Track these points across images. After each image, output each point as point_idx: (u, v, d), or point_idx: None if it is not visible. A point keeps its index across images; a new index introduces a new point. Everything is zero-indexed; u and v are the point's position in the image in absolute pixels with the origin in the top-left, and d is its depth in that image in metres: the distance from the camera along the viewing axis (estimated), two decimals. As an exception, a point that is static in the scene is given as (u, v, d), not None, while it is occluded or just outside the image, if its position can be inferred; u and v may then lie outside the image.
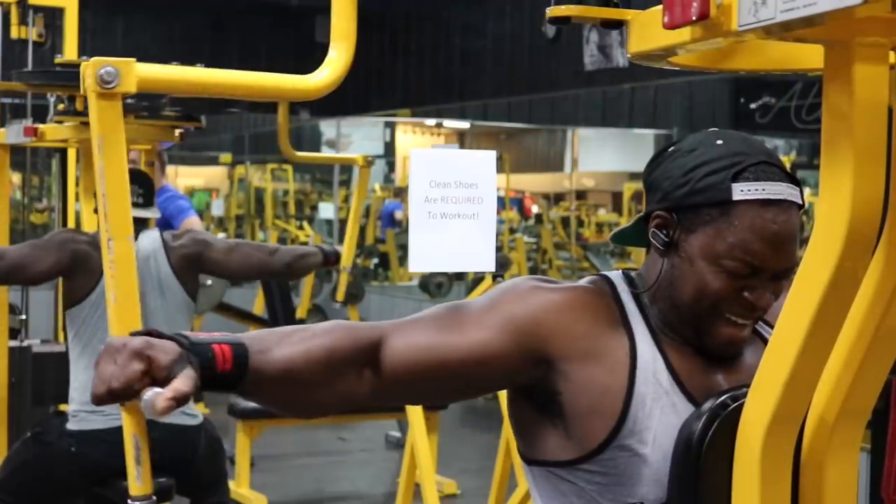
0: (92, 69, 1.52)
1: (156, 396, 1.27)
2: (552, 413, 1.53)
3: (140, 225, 3.65)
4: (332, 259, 4.13)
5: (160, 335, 1.33)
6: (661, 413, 1.50)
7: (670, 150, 1.58)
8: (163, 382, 1.29)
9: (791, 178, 1.51)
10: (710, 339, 1.55)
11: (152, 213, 3.70)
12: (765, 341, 1.60)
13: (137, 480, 1.66)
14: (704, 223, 1.50)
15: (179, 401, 1.27)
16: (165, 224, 4.97)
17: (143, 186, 3.66)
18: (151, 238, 3.69)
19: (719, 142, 1.54)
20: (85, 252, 3.53)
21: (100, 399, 1.29)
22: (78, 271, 3.54)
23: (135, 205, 3.62)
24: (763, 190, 1.48)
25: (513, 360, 1.50)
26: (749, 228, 1.48)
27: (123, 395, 1.28)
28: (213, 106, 4.27)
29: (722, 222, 1.49)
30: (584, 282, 1.60)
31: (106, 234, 1.57)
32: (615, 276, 1.62)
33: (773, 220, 1.48)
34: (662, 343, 1.55)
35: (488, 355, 1.49)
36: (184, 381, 1.28)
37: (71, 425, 3.53)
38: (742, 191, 1.48)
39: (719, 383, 1.55)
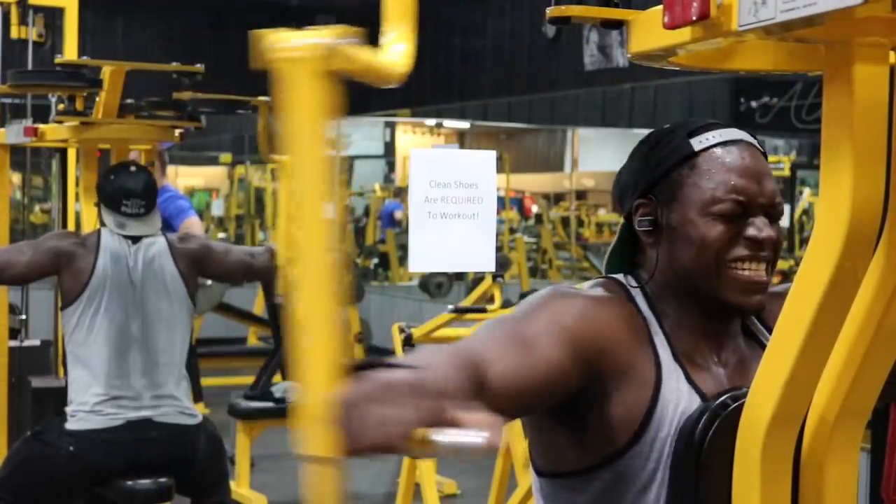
0: (320, 39, 1.21)
1: (466, 435, 1.08)
2: (577, 421, 1.52)
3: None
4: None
5: (370, 364, 1.20)
6: (682, 417, 1.50)
7: (625, 161, 1.65)
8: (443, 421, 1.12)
9: (746, 133, 1.58)
10: (728, 294, 1.53)
11: (152, 228, 3.70)
12: (764, 348, 1.60)
13: None
14: (680, 185, 1.55)
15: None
16: (165, 224, 4.97)
17: (147, 197, 3.66)
18: (157, 241, 3.70)
19: (667, 126, 1.62)
20: (70, 253, 3.54)
21: (380, 447, 1.12)
22: (63, 273, 3.55)
23: (136, 216, 3.64)
24: (719, 135, 1.57)
25: (573, 370, 1.47)
26: (722, 168, 1.54)
27: (409, 440, 1.11)
28: (222, 108, 4.28)
29: (694, 175, 1.55)
30: (606, 292, 1.58)
31: (296, 248, 1.24)
32: (623, 280, 1.62)
33: (741, 156, 1.55)
34: (677, 350, 1.55)
35: (561, 369, 1.46)
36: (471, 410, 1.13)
37: (70, 425, 3.53)
38: (700, 141, 1.56)
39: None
